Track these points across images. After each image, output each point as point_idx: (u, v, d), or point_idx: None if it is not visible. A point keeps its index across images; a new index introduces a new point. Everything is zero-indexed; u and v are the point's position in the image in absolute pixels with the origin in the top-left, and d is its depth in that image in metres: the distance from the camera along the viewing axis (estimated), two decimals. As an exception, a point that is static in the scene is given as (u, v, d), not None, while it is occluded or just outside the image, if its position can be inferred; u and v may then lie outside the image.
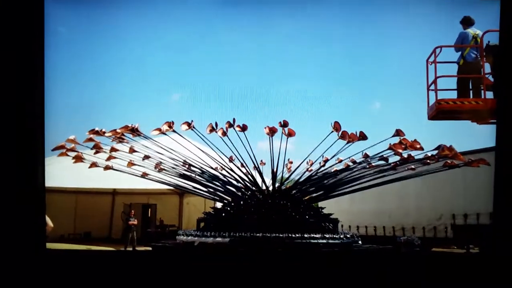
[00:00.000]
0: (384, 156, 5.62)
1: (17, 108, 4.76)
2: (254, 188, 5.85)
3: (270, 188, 5.84)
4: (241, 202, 5.74)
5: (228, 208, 5.75)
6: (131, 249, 13.99)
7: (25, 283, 4.38)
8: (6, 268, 4.37)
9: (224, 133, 5.42)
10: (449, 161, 5.61)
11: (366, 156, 5.70)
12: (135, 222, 15.08)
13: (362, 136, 5.37)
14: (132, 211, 15.34)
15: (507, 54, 5.27)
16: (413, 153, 5.58)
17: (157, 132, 5.35)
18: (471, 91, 7.57)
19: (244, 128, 5.46)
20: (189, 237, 5.35)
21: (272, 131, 5.41)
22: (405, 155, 5.52)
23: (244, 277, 4.46)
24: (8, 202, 4.59)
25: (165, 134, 5.43)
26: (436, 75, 7.48)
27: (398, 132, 5.49)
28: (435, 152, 5.52)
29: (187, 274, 4.50)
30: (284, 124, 5.49)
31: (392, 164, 5.62)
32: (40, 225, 4.83)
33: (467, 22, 7.54)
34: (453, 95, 7.58)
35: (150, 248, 5.83)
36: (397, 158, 5.60)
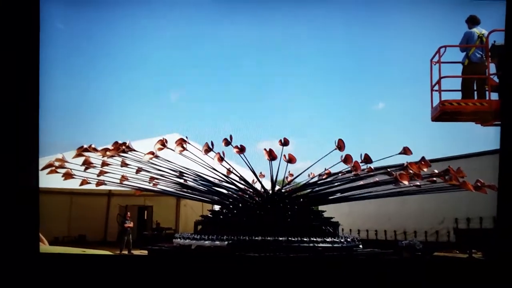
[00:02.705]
0: (389, 170, 5.44)
1: (10, 107, 4.61)
2: (252, 191, 5.70)
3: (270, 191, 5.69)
4: (240, 205, 5.59)
5: (226, 211, 5.61)
6: (126, 252, 13.86)
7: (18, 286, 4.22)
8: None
9: (221, 159, 5.18)
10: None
11: (370, 170, 5.50)
12: (131, 224, 14.95)
13: (367, 159, 5.17)
14: (128, 213, 15.21)
15: (513, 54, 5.15)
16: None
17: (151, 156, 5.13)
18: (475, 92, 7.45)
19: (242, 149, 5.24)
20: (186, 240, 5.19)
21: (272, 157, 5.19)
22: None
23: (243, 281, 4.31)
24: (0, 204, 4.43)
25: (158, 157, 5.23)
26: (440, 75, 7.38)
27: (405, 151, 5.31)
28: (441, 169, 5.32)
29: (184, 278, 4.34)
30: (285, 143, 5.29)
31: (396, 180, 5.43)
32: (33, 228, 4.66)
33: (472, 21, 7.42)
34: (457, 96, 7.47)
35: (146, 252, 5.67)
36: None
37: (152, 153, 5.13)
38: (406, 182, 4.98)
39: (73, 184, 5.67)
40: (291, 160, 5.19)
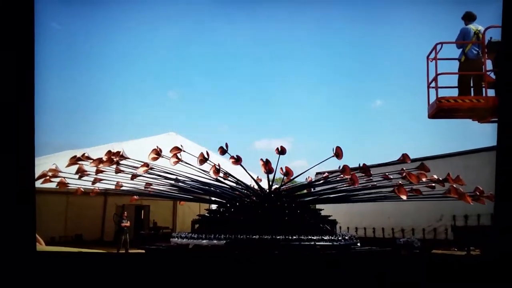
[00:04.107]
0: (387, 174, 5.40)
1: (5, 105, 4.57)
2: (249, 190, 5.68)
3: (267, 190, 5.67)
4: (237, 204, 5.57)
5: (223, 210, 5.59)
6: (123, 251, 13.81)
7: (14, 287, 4.18)
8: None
9: (217, 171, 5.06)
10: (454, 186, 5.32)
11: (369, 174, 5.42)
12: (128, 224, 14.89)
13: (365, 169, 5.09)
14: (125, 212, 15.13)
15: (510, 51, 5.12)
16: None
17: (145, 168, 5.06)
18: (472, 89, 7.43)
19: (238, 159, 5.19)
20: (184, 240, 5.16)
21: (269, 170, 5.13)
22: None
23: (241, 280, 4.27)
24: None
25: (151, 169, 5.18)
26: (436, 72, 7.34)
27: (404, 157, 5.26)
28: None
29: (181, 278, 4.30)
30: (282, 151, 5.24)
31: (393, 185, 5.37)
32: (29, 227, 4.63)
33: (469, 17, 7.40)
34: (454, 93, 7.44)
35: (143, 251, 5.64)
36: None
37: (146, 165, 5.06)
38: (404, 197, 4.90)
39: (69, 184, 5.67)
40: (288, 173, 5.11)
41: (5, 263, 4.19)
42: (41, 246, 5.61)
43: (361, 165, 5.07)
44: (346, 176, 4.92)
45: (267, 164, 5.04)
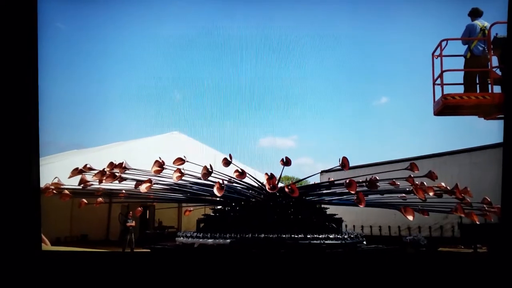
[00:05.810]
0: (393, 180, 5.36)
1: (9, 105, 4.57)
2: (253, 189, 5.65)
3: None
4: (242, 203, 5.55)
5: (229, 209, 5.56)
6: (129, 251, 13.79)
7: (20, 286, 4.20)
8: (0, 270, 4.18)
9: (221, 188, 4.95)
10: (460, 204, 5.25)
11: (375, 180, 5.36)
12: (133, 223, 14.87)
13: (371, 184, 5.01)
14: (130, 212, 15.11)
15: (516, 47, 5.08)
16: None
17: (148, 185, 5.01)
18: (478, 85, 7.37)
19: (243, 173, 5.13)
20: (189, 239, 5.15)
21: (272, 185, 5.06)
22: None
23: (246, 279, 4.27)
24: (1, 203, 4.40)
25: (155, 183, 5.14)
26: (442, 69, 7.29)
27: (412, 166, 5.20)
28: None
29: (187, 277, 4.30)
30: (287, 162, 5.20)
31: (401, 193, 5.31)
32: (35, 227, 4.63)
33: (475, 13, 7.34)
34: (460, 89, 7.39)
35: (148, 250, 5.64)
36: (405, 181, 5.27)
37: (149, 181, 5.02)
38: (411, 218, 4.85)
39: (74, 184, 5.66)
40: (293, 190, 5.01)
41: (12, 262, 4.20)
42: (47, 246, 5.61)
43: (366, 166, 5.07)
44: (352, 192, 4.81)
45: (271, 178, 4.99)
